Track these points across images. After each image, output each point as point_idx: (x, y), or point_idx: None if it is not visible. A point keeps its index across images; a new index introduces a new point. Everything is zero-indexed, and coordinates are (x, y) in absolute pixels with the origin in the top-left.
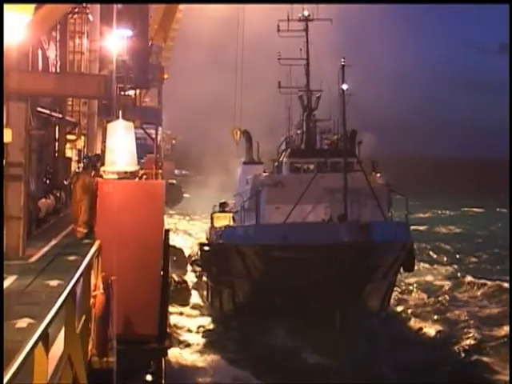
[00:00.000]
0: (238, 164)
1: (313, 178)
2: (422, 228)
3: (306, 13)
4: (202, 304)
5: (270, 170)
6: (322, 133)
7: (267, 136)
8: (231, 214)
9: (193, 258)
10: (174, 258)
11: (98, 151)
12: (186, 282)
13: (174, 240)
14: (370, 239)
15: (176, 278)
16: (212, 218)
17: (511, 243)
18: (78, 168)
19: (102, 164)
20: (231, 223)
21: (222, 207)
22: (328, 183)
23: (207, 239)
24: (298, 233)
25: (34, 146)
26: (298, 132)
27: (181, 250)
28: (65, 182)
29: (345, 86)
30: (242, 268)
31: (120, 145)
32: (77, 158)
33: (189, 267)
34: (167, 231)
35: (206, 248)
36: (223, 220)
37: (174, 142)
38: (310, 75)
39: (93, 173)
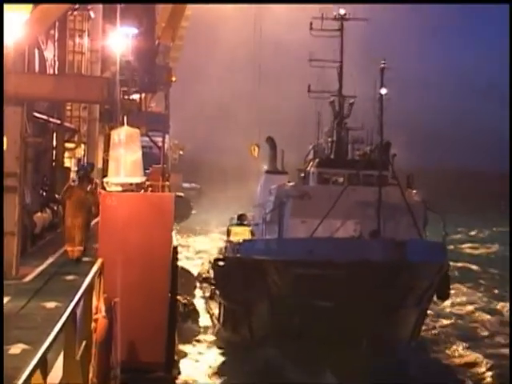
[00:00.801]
0: (257, 174)
1: (343, 190)
2: (451, 247)
3: (342, 11)
4: (213, 326)
5: (296, 180)
6: (354, 142)
7: (292, 145)
8: (250, 228)
9: (203, 275)
10: (183, 280)
11: (100, 160)
12: (193, 304)
13: (181, 259)
14: (404, 258)
15: (183, 300)
16: (228, 232)
17: (511, 255)
18: (73, 181)
19: (105, 175)
20: (250, 237)
21: (241, 220)
22: (359, 197)
23: (222, 254)
24: (324, 248)
25: (29, 155)
26: (329, 140)
27: (189, 272)
28: (57, 197)
29: (383, 91)
30: (261, 285)
31: (125, 154)
32: (76, 169)
33: (197, 290)
34: (175, 249)
35: (221, 263)
36: (241, 234)
37: (181, 152)
38: (342, 79)
39: (88, 187)
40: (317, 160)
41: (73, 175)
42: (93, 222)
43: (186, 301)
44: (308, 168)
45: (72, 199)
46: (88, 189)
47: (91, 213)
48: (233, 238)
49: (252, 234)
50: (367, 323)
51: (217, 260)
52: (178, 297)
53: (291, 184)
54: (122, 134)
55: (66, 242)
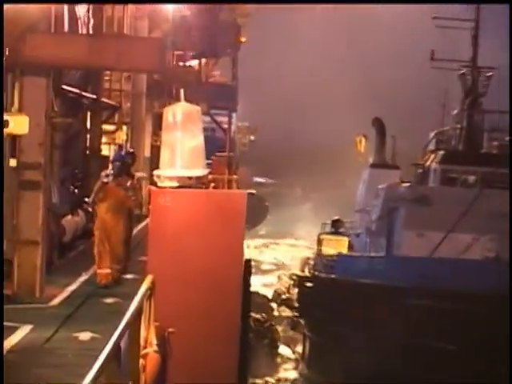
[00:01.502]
0: (358, 167)
1: (477, 195)
2: None
3: None
4: (295, 364)
5: (411, 179)
6: (491, 131)
7: (405, 131)
8: (348, 238)
9: (283, 296)
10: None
11: (147, 147)
12: (270, 321)
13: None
14: None
15: (258, 317)
16: (319, 241)
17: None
18: (107, 176)
19: (157, 167)
20: (348, 251)
21: (335, 227)
22: (497, 205)
23: (309, 271)
24: (447, 273)
25: (56, 141)
26: (457, 126)
27: (262, 296)
28: (86, 200)
29: None
30: (361, 316)
31: (181, 139)
32: (112, 159)
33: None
34: (248, 263)
35: (308, 284)
36: (336, 246)
37: (252, 137)
38: (478, 45)
39: (128, 182)
40: (441, 153)
41: (108, 169)
42: (135, 231)
43: (261, 317)
44: (428, 163)
45: (106, 202)
46: (128, 184)
47: (132, 219)
48: (325, 251)
49: (350, 246)
50: (502, 372)
51: (302, 279)
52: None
53: (405, 184)
54: (178, 112)
55: (97, 262)
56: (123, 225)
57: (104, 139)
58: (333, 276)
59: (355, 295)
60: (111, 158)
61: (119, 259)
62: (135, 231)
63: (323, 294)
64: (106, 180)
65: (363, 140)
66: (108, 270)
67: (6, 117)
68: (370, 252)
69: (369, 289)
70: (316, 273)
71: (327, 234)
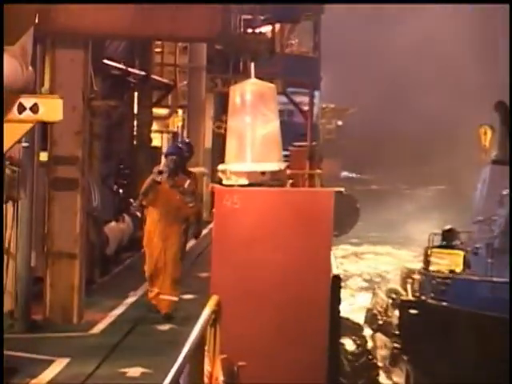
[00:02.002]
0: (475, 163)
1: None
2: None
3: None
4: None
5: None
6: None
7: None
8: (463, 253)
9: (379, 321)
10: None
11: (209, 136)
12: (367, 352)
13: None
14: None
15: (351, 346)
16: (427, 256)
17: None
18: (159, 173)
19: (221, 160)
20: (462, 269)
21: (447, 239)
22: None
23: (414, 293)
24: None
25: (97, 129)
26: None
27: (352, 321)
28: (133, 204)
29: None
30: (481, 356)
31: (252, 125)
32: (165, 152)
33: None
34: (337, 279)
35: (412, 311)
36: (448, 262)
37: (340, 122)
38: None
39: (186, 183)
40: None
41: (162, 165)
42: (190, 243)
43: (355, 348)
44: None
45: (157, 206)
46: (186, 185)
47: (187, 231)
48: (434, 268)
49: (466, 263)
50: None
51: (405, 303)
52: (343, 340)
53: None
54: (248, 91)
55: (148, 281)
56: (179, 235)
57: (155, 126)
58: (444, 303)
59: (474, 330)
60: (165, 151)
61: (175, 280)
62: (193, 241)
63: (432, 325)
64: (158, 178)
65: (489, 132)
66: (171, 292)
67: (34, 100)
68: (491, 274)
69: (491, 323)
70: (423, 297)
71: (437, 247)
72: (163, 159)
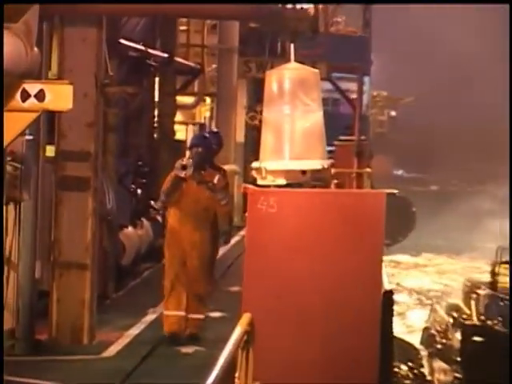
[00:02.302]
0: None
1: None
2: None
3: None
4: None
5: None
6: None
7: None
8: None
9: (438, 345)
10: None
11: (241, 128)
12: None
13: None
14: None
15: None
16: (494, 274)
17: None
18: (183, 168)
19: (255, 157)
20: None
21: None
22: None
23: (478, 315)
24: None
25: (112, 119)
26: None
27: (406, 342)
28: (153, 206)
29: None
30: None
31: (291, 116)
32: (189, 144)
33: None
34: (389, 295)
35: (477, 338)
36: None
37: (393, 112)
38: None
39: (216, 178)
40: None
41: (186, 158)
42: (223, 249)
43: (411, 375)
44: None
45: (182, 206)
46: (215, 180)
47: (218, 234)
48: (503, 288)
49: None
50: None
51: (469, 328)
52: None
53: None
54: (286, 77)
55: (165, 298)
56: (208, 242)
57: (179, 117)
58: None
59: None
60: (189, 142)
61: (201, 296)
62: (223, 249)
63: (500, 355)
64: (182, 174)
65: None
66: (181, 313)
67: (40, 86)
68: None
69: None
70: (489, 322)
71: (506, 263)
72: (188, 152)
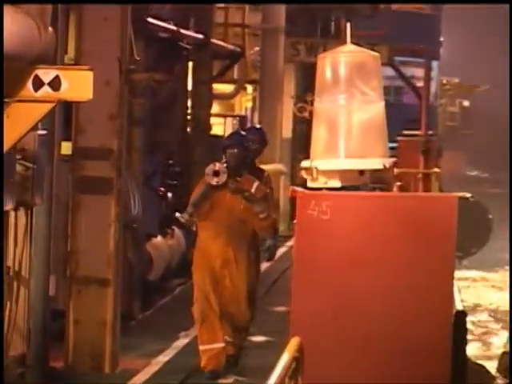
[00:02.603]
0: None
1: None
2: None
3: None
4: None
5: None
6: None
7: None
8: None
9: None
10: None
11: (289, 122)
12: None
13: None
14: None
15: None
16: None
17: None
18: (216, 174)
19: (305, 154)
20: None
21: None
22: None
23: None
24: None
25: (138, 111)
26: None
27: (480, 365)
28: (179, 218)
29: None
30: None
31: (347, 108)
32: (226, 142)
33: None
34: (461, 315)
35: None
36: None
37: (466, 102)
38: None
39: (254, 186)
40: None
41: (219, 164)
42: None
43: None
44: None
45: (214, 217)
46: (253, 189)
47: (259, 253)
48: None
49: None
50: None
51: None
52: None
53: None
54: (342, 62)
55: (198, 329)
56: (244, 261)
57: (216, 108)
58: None
59: None
60: (224, 143)
61: (238, 326)
62: (266, 264)
63: None
64: (214, 181)
65: None
66: (218, 345)
67: (55, 72)
68: None
69: None
70: None
71: None
72: (223, 155)
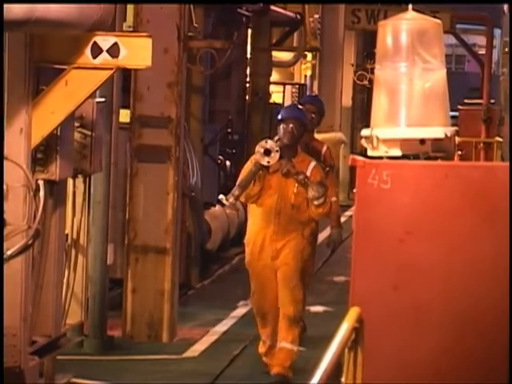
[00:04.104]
0: None
1: None
2: None
3: None
4: None
5: None
6: None
7: None
8: None
9: None
10: None
11: (347, 90)
12: None
13: None
14: None
15: None
16: None
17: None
18: (267, 153)
19: (364, 123)
20: None
21: None
22: None
23: None
24: None
25: (196, 79)
26: None
27: None
28: (223, 200)
29: None
30: None
31: (408, 75)
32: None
33: None
34: None
35: None
36: None
37: None
38: None
39: (310, 167)
40: None
41: (270, 141)
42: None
43: None
44: None
45: (264, 202)
46: (309, 171)
47: (315, 241)
48: None
49: None
50: None
51: None
52: None
53: None
54: (403, 29)
55: (259, 323)
56: (297, 252)
57: (275, 76)
58: None
59: None
60: (279, 117)
61: (293, 317)
62: (325, 233)
63: None
64: (265, 161)
65: None
66: (289, 346)
67: (114, 39)
68: None
69: None
70: None
71: None
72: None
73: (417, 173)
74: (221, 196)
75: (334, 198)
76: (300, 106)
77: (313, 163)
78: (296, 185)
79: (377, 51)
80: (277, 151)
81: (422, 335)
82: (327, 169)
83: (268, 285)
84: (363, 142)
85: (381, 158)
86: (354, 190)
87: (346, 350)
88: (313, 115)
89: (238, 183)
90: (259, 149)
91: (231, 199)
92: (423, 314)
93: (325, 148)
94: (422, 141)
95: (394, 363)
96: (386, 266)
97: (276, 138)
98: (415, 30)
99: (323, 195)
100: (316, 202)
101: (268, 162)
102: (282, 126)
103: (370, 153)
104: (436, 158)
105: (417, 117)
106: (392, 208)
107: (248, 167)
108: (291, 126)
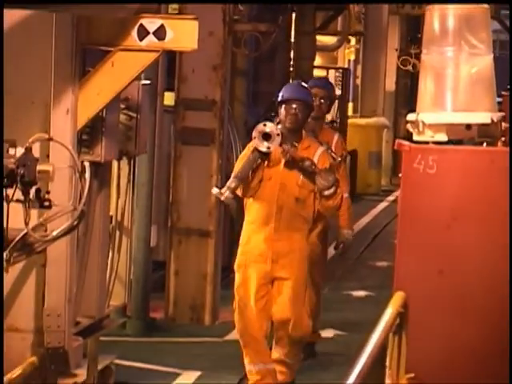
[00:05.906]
0: None
1: None
2: None
3: None
4: None
5: None
6: None
7: None
8: None
9: None
10: None
11: (391, 74)
12: None
13: None
14: None
15: None
16: None
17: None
18: (266, 137)
19: (409, 108)
20: None
21: None
22: None
23: None
24: None
25: (241, 63)
26: None
27: None
28: (217, 194)
29: None
30: None
31: (455, 61)
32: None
33: None
34: None
35: None
36: None
37: None
38: None
39: (317, 153)
40: None
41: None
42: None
43: None
44: None
45: (263, 195)
46: (317, 158)
47: (324, 237)
48: None
49: None
50: None
51: None
52: None
53: None
54: (450, 14)
55: (243, 347)
56: (302, 253)
57: (318, 60)
58: None
59: None
60: (280, 96)
61: (294, 339)
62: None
63: None
64: (264, 147)
65: None
66: (268, 366)
67: (160, 21)
68: None
69: None
70: None
71: None
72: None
73: (463, 158)
74: (215, 190)
75: (345, 195)
76: (304, 84)
77: (321, 148)
78: (301, 175)
79: (423, 35)
80: (278, 135)
81: (466, 321)
82: (339, 159)
83: (263, 290)
84: (409, 126)
85: (426, 142)
86: (400, 175)
87: (391, 335)
88: (321, 100)
89: (233, 174)
90: (257, 133)
91: (227, 193)
92: (467, 299)
93: (336, 137)
94: (468, 126)
95: (437, 348)
96: (431, 251)
97: (277, 121)
98: (463, 15)
99: (333, 185)
100: (326, 193)
101: (268, 147)
102: (283, 108)
103: (415, 137)
104: (481, 143)
105: (463, 102)
106: (438, 193)
107: (245, 155)
108: (295, 107)
